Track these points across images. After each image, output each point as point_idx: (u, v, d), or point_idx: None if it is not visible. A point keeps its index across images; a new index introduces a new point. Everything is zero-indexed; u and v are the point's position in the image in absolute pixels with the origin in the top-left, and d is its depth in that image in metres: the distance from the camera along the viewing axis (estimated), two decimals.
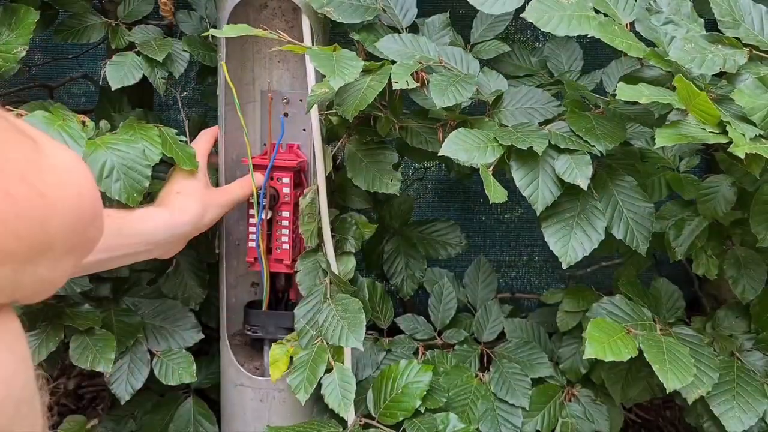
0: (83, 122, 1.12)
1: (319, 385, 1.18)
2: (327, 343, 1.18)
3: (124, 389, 1.31)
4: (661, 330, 1.23)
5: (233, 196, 1.21)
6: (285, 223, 1.25)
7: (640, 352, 1.12)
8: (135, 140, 1.12)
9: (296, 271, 1.24)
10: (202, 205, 1.15)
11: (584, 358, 1.09)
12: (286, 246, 1.25)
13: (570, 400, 1.38)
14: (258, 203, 1.21)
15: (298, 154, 1.27)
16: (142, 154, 1.11)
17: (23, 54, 1.18)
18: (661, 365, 1.10)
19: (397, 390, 1.23)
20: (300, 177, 1.27)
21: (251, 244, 1.25)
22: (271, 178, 1.23)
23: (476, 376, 1.37)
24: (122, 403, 1.32)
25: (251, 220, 1.24)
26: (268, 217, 1.23)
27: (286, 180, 1.23)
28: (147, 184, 1.11)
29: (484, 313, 1.48)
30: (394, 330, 1.44)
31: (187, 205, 1.14)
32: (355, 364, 1.30)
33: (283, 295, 1.31)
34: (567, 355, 1.41)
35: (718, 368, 1.21)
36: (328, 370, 1.17)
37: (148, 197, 1.18)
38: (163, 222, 1.11)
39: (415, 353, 1.41)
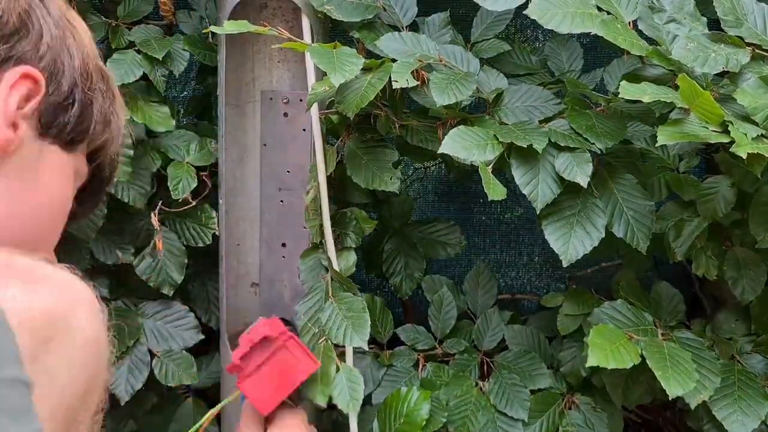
0: None
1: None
2: (331, 343, 1.16)
3: (123, 390, 1.30)
4: (662, 334, 1.22)
5: None
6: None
7: (642, 357, 1.11)
8: None
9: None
10: None
11: (587, 366, 1.08)
12: None
13: (570, 408, 1.37)
14: None
15: (281, 330, 1.04)
16: None
17: None
18: (663, 372, 1.09)
19: (400, 420, 1.22)
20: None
21: None
22: None
23: (476, 384, 1.36)
24: (122, 403, 1.31)
25: None
26: None
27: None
28: None
29: (485, 321, 1.47)
30: (394, 340, 1.43)
31: None
32: None
33: None
34: (567, 359, 1.40)
35: (720, 372, 1.20)
36: (336, 370, 1.16)
37: None
38: None
39: (416, 365, 1.40)
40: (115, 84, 0.81)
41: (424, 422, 1.21)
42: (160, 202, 1.34)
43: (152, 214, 1.32)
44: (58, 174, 0.71)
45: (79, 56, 0.71)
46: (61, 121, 0.69)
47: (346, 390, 1.14)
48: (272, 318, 1.14)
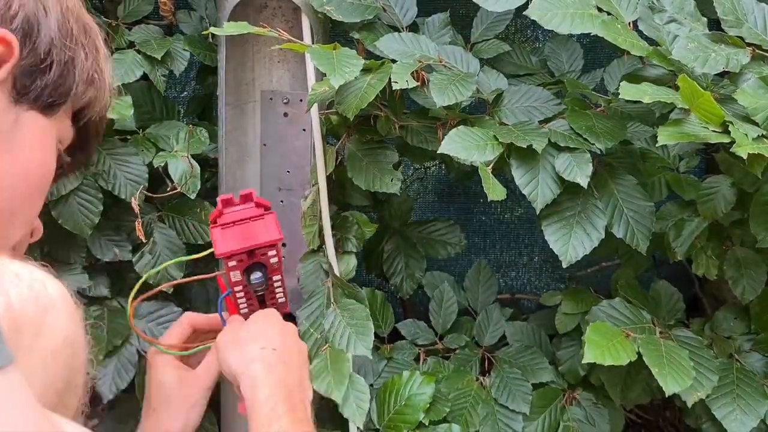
0: None
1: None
2: (335, 349, 1.16)
3: (108, 388, 1.30)
4: (660, 333, 1.22)
5: (212, 378, 1.00)
6: (278, 283, 1.09)
7: (640, 355, 1.11)
8: None
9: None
10: (184, 414, 0.97)
11: (583, 362, 1.09)
12: (281, 299, 1.12)
13: (571, 404, 1.37)
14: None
15: (260, 203, 1.07)
16: None
17: None
18: (660, 369, 1.09)
19: (401, 402, 1.22)
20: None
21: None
22: (255, 255, 1.03)
23: (477, 379, 1.36)
24: (105, 401, 1.31)
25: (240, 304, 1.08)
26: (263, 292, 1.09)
27: (272, 252, 1.04)
28: None
29: (485, 317, 1.47)
30: (394, 334, 1.43)
31: (167, 426, 0.96)
32: (357, 373, 1.28)
33: None
34: (566, 357, 1.40)
35: (718, 371, 1.20)
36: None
37: None
38: None
39: (416, 359, 1.40)
40: (99, 36, 0.74)
41: (427, 407, 1.21)
42: (145, 186, 1.30)
43: (132, 198, 1.27)
44: (38, 142, 0.65)
45: (56, 11, 0.65)
46: (38, 84, 0.63)
47: (353, 400, 1.13)
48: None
